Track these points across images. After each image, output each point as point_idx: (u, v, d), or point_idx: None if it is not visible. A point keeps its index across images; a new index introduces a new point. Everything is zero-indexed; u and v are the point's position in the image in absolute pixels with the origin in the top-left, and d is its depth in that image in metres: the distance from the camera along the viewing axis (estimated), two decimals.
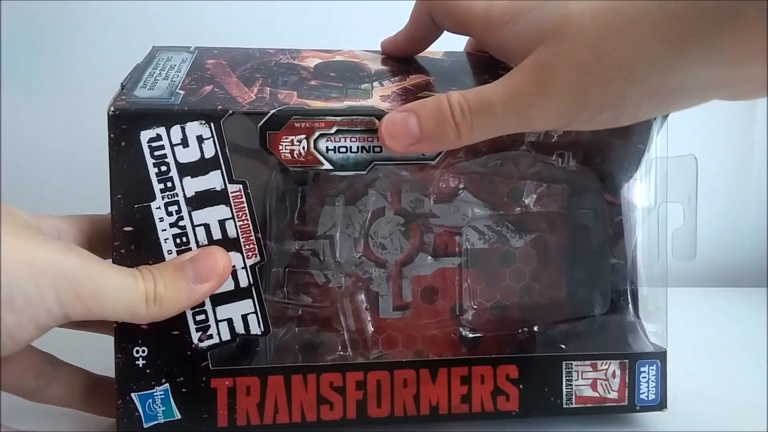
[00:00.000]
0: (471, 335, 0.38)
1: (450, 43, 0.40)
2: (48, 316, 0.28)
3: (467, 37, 0.41)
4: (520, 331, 0.38)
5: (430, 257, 0.38)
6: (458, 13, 0.36)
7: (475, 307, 0.39)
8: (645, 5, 0.28)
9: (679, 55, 0.27)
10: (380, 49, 0.41)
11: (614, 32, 0.29)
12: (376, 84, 0.36)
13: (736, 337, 0.53)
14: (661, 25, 0.27)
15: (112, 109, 0.32)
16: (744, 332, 0.54)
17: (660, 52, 0.28)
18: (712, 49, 0.27)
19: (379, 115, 0.33)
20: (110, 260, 0.33)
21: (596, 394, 0.36)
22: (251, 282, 0.33)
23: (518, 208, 0.39)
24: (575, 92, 0.30)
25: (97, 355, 0.36)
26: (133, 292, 0.30)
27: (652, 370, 0.37)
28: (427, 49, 0.40)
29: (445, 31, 0.38)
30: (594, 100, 0.30)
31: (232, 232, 0.33)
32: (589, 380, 0.36)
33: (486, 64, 0.39)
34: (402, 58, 0.40)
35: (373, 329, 0.38)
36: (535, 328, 0.38)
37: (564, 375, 0.36)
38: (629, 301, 0.38)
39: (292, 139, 0.33)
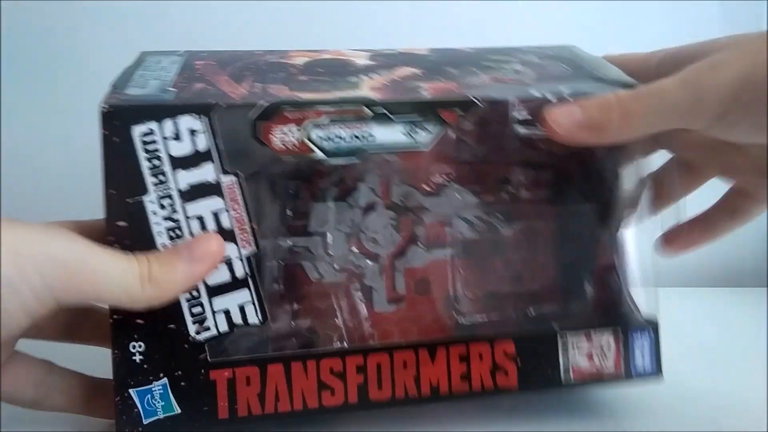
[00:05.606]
0: (466, 323, 0.38)
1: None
2: (37, 301, 0.28)
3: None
4: (514, 316, 0.38)
5: (421, 249, 0.39)
6: (620, 63, 0.38)
7: (468, 296, 0.39)
8: None
9: None
10: (367, 48, 0.42)
11: None
12: (364, 77, 0.37)
13: (736, 338, 0.53)
14: None
15: (104, 106, 0.32)
16: (744, 332, 0.54)
17: None
18: None
19: (370, 103, 0.34)
20: None
21: (593, 367, 0.36)
22: (247, 272, 0.33)
23: (507, 196, 0.39)
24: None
25: (97, 356, 0.36)
26: (127, 271, 0.30)
27: (645, 338, 0.37)
28: (413, 47, 0.41)
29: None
30: None
31: (226, 223, 0.33)
32: (584, 352, 0.36)
33: (471, 58, 0.40)
34: (388, 54, 0.41)
35: (369, 322, 0.38)
36: (529, 312, 0.39)
37: (560, 348, 0.36)
38: (619, 276, 0.38)
39: (284, 129, 0.33)
